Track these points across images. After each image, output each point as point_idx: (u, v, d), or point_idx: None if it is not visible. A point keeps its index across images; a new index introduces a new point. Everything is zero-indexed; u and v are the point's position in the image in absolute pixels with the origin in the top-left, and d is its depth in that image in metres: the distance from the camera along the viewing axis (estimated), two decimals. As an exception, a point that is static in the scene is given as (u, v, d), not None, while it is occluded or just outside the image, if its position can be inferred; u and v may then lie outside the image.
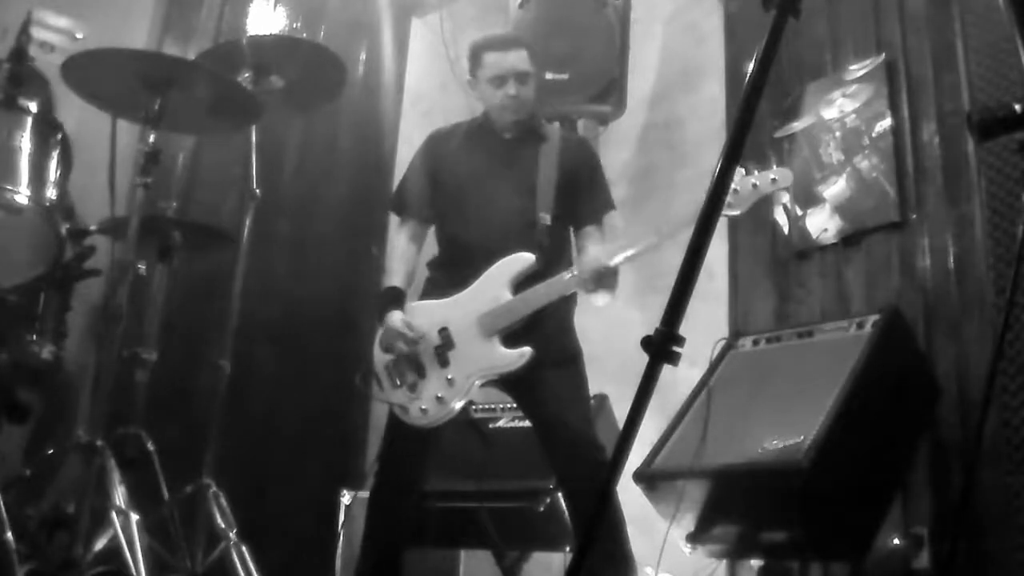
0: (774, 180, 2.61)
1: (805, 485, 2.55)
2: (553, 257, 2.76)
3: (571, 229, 2.92)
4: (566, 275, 2.66)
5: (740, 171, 2.56)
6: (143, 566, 2.36)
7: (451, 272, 2.84)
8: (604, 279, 2.62)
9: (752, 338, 3.28)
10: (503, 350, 2.67)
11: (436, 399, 2.69)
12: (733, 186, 2.55)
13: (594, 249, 2.78)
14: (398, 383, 2.74)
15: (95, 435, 2.53)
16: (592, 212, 2.90)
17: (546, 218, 2.78)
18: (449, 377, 2.69)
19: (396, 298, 2.81)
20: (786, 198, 3.75)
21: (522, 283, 2.70)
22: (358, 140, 4.81)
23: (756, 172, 2.60)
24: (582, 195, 2.89)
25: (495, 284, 2.72)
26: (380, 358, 2.79)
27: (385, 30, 5.05)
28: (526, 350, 2.64)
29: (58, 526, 2.58)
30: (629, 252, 2.61)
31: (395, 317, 2.75)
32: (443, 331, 2.73)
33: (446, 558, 3.54)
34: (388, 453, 2.81)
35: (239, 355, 3.15)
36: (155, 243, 3.05)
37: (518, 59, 2.87)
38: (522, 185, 2.84)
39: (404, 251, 2.93)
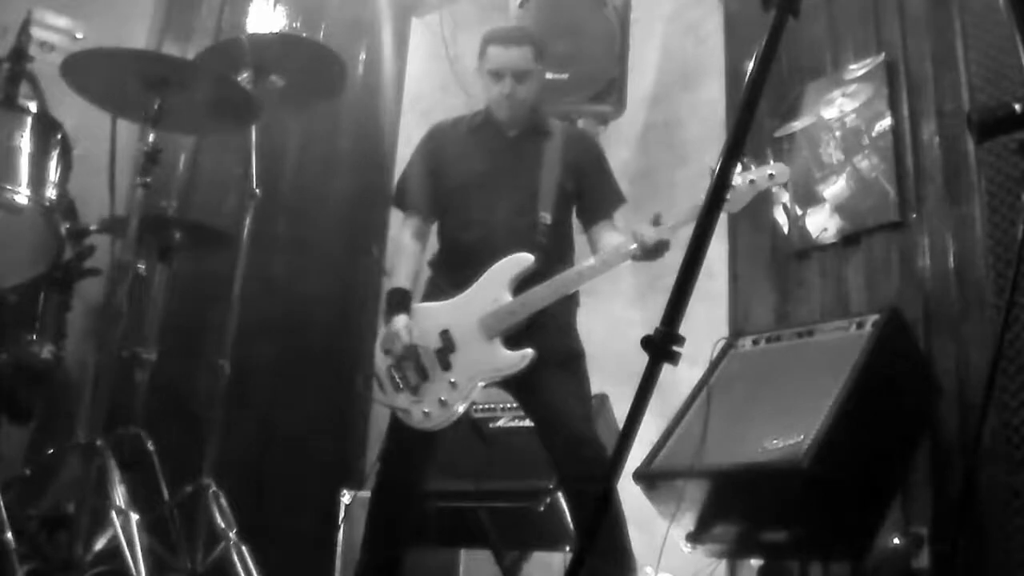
0: (771, 176, 2.61)
1: (805, 485, 2.55)
2: (553, 257, 2.75)
3: (574, 226, 2.91)
4: (625, 247, 2.62)
5: (737, 166, 2.56)
6: (143, 566, 2.36)
7: (452, 273, 2.83)
8: (658, 250, 2.59)
9: (752, 338, 3.27)
10: (505, 352, 2.67)
11: (439, 402, 2.68)
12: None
13: (616, 237, 2.76)
14: (401, 386, 2.74)
15: (95, 435, 2.53)
16: (603, 208, 2.88)
17: (546, 217, 2.77)
18: (452, 380, 2.69)
19: (402, 301, 2.79)
20: (786, 198, 3.75)
21: (522, 283, 2.70)
22: (358, 140, 4.82)
23: (753, 168, 2.61)
24: (590, 190, 2.88)
25: (495, 285, 2.71)
26: (382, 361, 2.79)
27: (385, 30, 5.06)
28: (528, 352, 2.63)
29: (58, 526, 2.58)
30: (681, 221, 2.58)
31: (399, 320, 2.74)
32: (444, 334, 2.72)
33: (446, 558, 3.54)
34: (390, 454, 2.80)
35: (239, 355, 3.15)
36: (155, 243, 3.05)
37: (519, 56, 2.83)
38: (524, 184, 2.82)
39: (408, 249, 2.91)
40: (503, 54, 2.83)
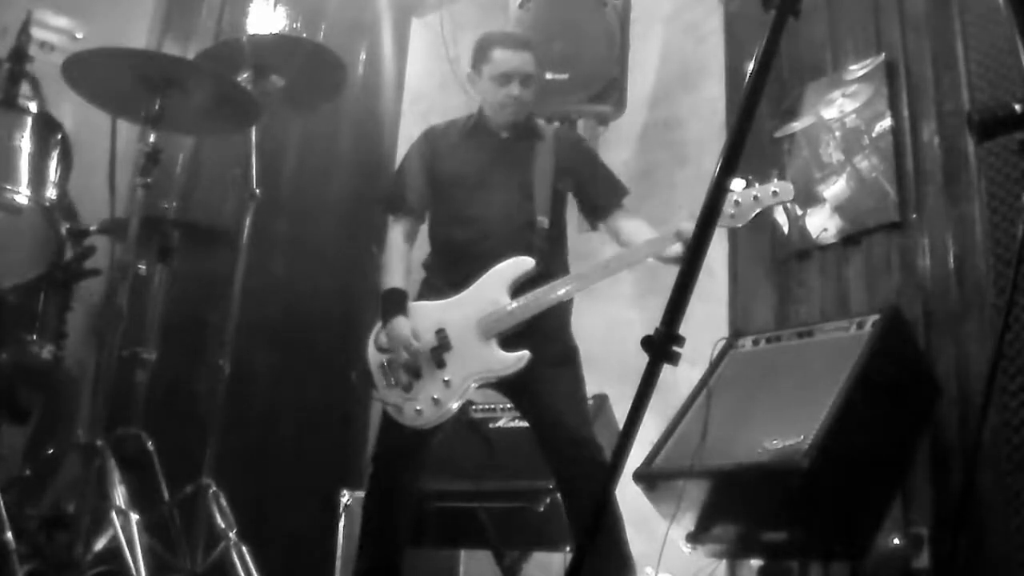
0: (775, 193, 2.62)
1: (805, 485, 2.55)
2: (550, 261, 2.76)
3: (568, 230, 2.91)
4: (655, 241, 2.62)
5: (742, 183, 2.58)
6: (143, 566, 2.36)
7: (447, 273, 2.83)
8: None
9: (752, 338, 3.28)
10: (501, 353, 2.67)
11: (432, 400, 2.68)
12: (735, 198, 2.58)
13: (635, 225, 2.77)
14: (393, 383, 2.74)
15: (95, 435, 2.54)
16: (611, 198, 2.89)
17: (544, 221, 2.78)
18: (446, 379, 2.69)
19: (400, 302, 2.79)
20: (786, 198, 3.75)
21: (520, 287, 2.70)
22: (358, 140, 4.82)
23: (757, 185, 2.62)
24: (591, 186, 2.90)
25: (494, 287, 2.71)
26: (375, 357, 2.79)
27: (385, 30, 5.06)
28: (524, 353, 2.63)
29: (58, 526, 2.58)
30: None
31: (402, 325, 2.73)
32: (440, 333, 2.72)
33: (446, 558, 3.54)
34: (382, 453, 2.81)
35: (239, 355, 3.15)
36: (155, 243, 3.05)
37: (526, 61, 2.86)
38: (519, 186, 2.83)
39: (400, 249, 2.91)
40: (513, 57, 2.85)
